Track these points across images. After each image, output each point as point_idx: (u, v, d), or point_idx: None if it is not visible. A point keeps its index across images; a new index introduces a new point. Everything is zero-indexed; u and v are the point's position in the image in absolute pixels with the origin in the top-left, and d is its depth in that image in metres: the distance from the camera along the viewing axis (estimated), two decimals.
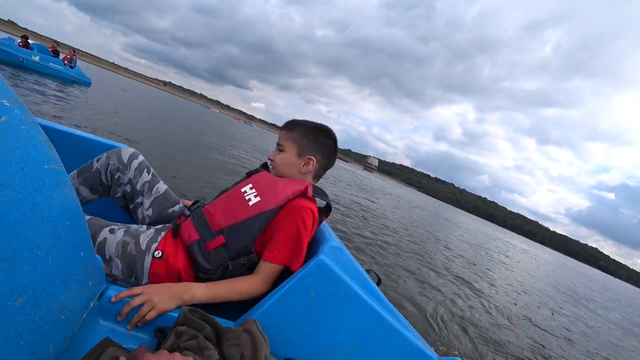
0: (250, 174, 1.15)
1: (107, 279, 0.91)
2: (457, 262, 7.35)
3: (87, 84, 14.31)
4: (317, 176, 1.16)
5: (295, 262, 0.94)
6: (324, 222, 1.14)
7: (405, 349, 0.97)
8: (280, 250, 0.94)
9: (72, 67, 13.46)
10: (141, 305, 0.72)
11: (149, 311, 0.71)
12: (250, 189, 1.02)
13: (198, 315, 0.67)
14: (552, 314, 6.00)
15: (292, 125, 1.14)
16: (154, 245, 0.93)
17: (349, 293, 0.86)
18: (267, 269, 0.93)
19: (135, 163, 1.12)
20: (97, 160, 1.11)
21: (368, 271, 1.21)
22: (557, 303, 7.56)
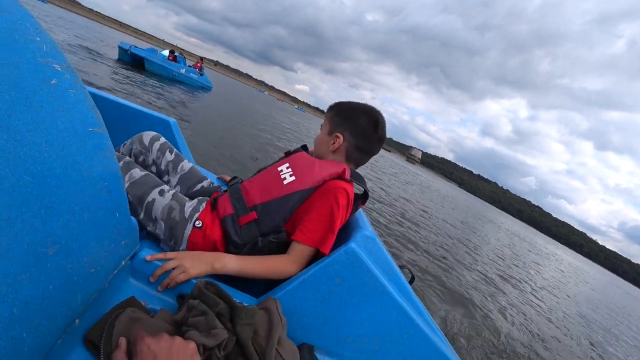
0: (288, 154, 1.16)
1: (149, 238, 0.97)
2: (497, 269, 6.94)
3: (210, 88, 16.26)
4: (353, 159, 1.11)
5: (326, 244, 0.92)
6: (360, 209, 1.11)
7: (430, 353, 0.92)
8: (311, 230, 0.93)
9: (201, 75, 15.21)
10: (173, 269, 0.75)
11: (180, 274, 0.75)
12: (287, 168, 1.02)
13: (213, 289, 0.68)
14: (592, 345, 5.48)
15: (333, 105, 1.14)
16: (196, 215, 0.96)
17: (377, 286, 0.83)
18: (297, 250, 0.93)
19: (156, 145, 1.18)
20: (123, 146, 1.18)
21: (402, 267, 1.17)
22: (601, 329, 6.87)
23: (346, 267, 0.80)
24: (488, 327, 3.51)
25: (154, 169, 1.18)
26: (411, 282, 1.16)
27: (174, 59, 13.78)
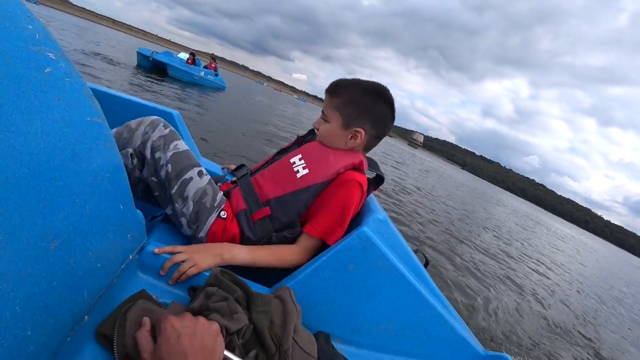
0: (300, 142, 1.08)
1: (172, 218, 0.92)
2: (508, 249, 6.87)
3: (224, 88, 16.43)
4: (369, 147, 1.04)
5: (333, 236, 0.89)
6: (372, 194, 1.07)
7: (449, 337, 0.90)
8: (319, 223, 0.90)
9: (216, 75, 15.26)
10: (183, 262, 0.73)
11: (190, 268, 0.73)
12: (300, 160, 0.97)
13: (229, 277, 0.67)
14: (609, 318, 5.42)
15: (337, 89, 0.98)
16: (223, 206, 0.92)
17: (392, 270, 0.81)
18: (304, 241, 0.91)
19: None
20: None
21: (416, 251, 1.14)
22: (617, 305, 6.81)
23: (359, 252, 0.78)
24: (505, 307, 3.49)
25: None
26: (425, 265, 1.13)
27: (193, 61, 13.72)
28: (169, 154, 0.87)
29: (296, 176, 0.94)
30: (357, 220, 0.91)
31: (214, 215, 0.90)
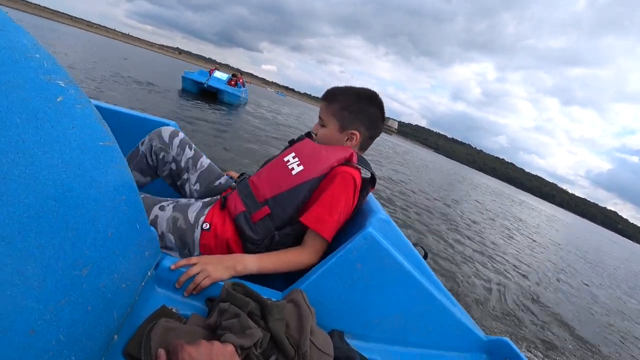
0: (292, 143, 1.13)
1: (162, 251, 0.97)
2: (481, 229, 7.05)
3: (246, 102, 16.08)
4: (364, 147, 1.11)
5: (325, 227, 0.90)
6: (371, 194, 1.10)
7: (453, 325, 0.95)
8: (311, 212, 0.92)
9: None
10: (197, 274, 0.75)
11: (204, 279, 0.75)
12: (293, 157, 1.01)
13: (241, 289, 0.68)
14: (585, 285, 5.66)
15: (332, 97, 1.07)
16: (202, 218, 0.96)
17: (397, 267, 0.84)
18: (308, 241, 0.93)
19: (176, 141, 1.15)
20: (142, 144, 1.15)
21: (415, 245, 1.18)
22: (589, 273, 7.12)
23: (366, 252, 0.81)
24: (496, 288, 3.60)
25: (173, 165, 1.16)
26: (425, 258, 1.18)
27: (235, 83, 13.42)
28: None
29: (291, 173, 0.97)
30: (360, 221, 0.94)
31: (197, 231, 0.94)
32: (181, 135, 1.18)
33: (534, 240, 8.63)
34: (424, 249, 1.26)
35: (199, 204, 1.02)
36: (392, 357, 0.86)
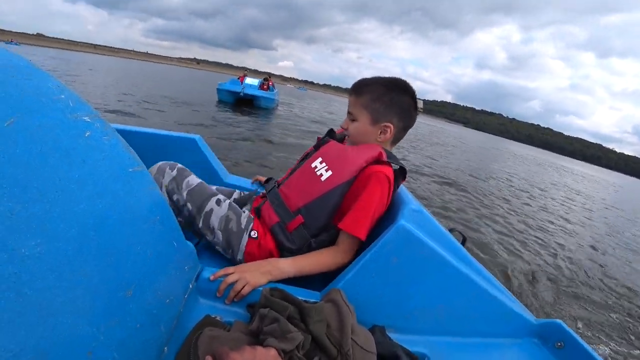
0: (318, 146, 1.11)
1: (209, 246, 1.00)
2: (524, 205, 6.67)
3: (278, 102, 15.79)
4: (397, 139, 1.07)
5: (360, 229, 0.90)
6: (402, 185, 1.08)
7: (499, 311, 0.92)
8: (347, 217, 0.92)
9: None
10: (235, 282, 0.78)
11: (243, 287, 0.77)
12: (320, 163, 0.99)
13: (279, 294, 0.70)
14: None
15: (361, 89, 1.03)
16: (251, 225, 0.97)
17: (433, 256, 0.83)
18: (342, 240, 0.94)
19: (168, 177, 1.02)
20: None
21: (451, 230, 1.15)
22: None
23: (400, 245, 0.80)
24: (548, 267, 3.44)
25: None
26: (463, 243, 1.15)
27: (268, 87, 13.40)
28: (184, 193, 0.95)
29: (320, 180, 0.95)
30: (392, 214, 0.93)
31: (245, 237, 0.95)
32: (179, 166, 1.04)
33: (589, 210, 8.14)
34: (462, 234, 1.23)
35: (247, 210, 1.03)
36: (438, 348, 0.85)
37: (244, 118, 9.23)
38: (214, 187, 1.15)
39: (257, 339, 0.63)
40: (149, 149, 1.21)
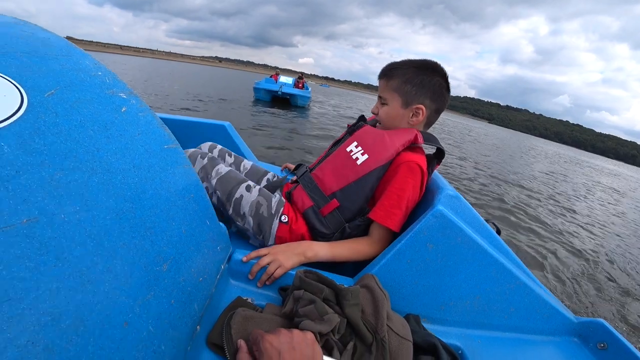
0: (352, 131, 1.09)
1: (240, 232, 1.00)
2: (553, 203, 6.39)
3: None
4: (430, 122, 1.03)
5: (392, 219, 0.88)
6: (436, 171, 1.05)
7: (537, 306, 0.87)
8: (379, 207, 0.90)
9: None
10: (268, 264, 0.76)
11: (276, 269, 0.76)
12: (356, 147, 0.97)
13: (313, 276, 0.68)
14: None
15: (391, 72, 1.00)
16: (282, 210, 0.96)
17: (471, 245, 0.79)
18: (376, 231, 0.91)
19: (215, 152, 1.19)
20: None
21: (486, 221, 1.11)
22: None
23: (437, 231, 0.77)
24: (586, 265, 3.28)
25: None
26: (497, 235, 1.09)
27: (302, 85, 13.51)
28: (214, 181, 0.95)
29: (356, 163, 0.94)
30: (428, 200, 0.89)
31: (276, 222, 0.94)
32: (219, 147, 1.20)
33: (623, 213, 7.71)
34: (496, 225, 1.17)
35: (278, 195, 1.03)
36: (472, 342, 0.81)
37: (283, 115, 9.45)
38: (243, 174, 1.16)
39: (290, 321, 0.62)
40: (181, 134, 1.23)
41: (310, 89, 13.92)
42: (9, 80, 0.44)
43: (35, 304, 0.32)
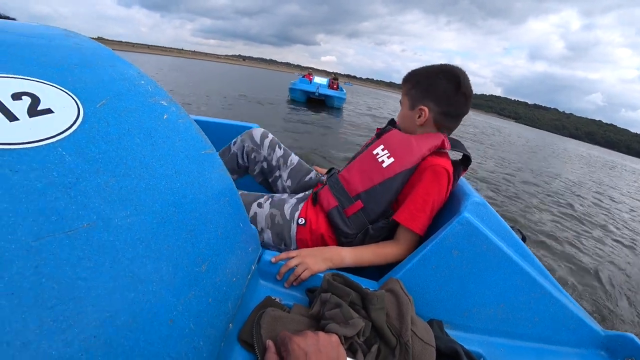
0: (380, 135, 1.12)
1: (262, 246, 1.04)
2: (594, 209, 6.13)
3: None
4: (445, 127, 1.03)
5: (416, 223, 0.90)
6: (462, 177, 1.05)
7: (563, 317, 0.86)
8: (403, 209, 0.92)
9: None
10: (296, 266, 0.79)
11: (303, 272, 0.78)
12: (382, 150, 1.00)
13: (341, 280, 0.70)
14: None
15: (406, 78, 1.07)
16: (297, 214, 1.00)
17: (497, 252, 0.79)
18: (402, 236, 0.93)
19: (266, 142, 1.23)
20: (234, 144, 1.24)
21: (512, 228, 1.10)
22: None
23: (462, 238, 0.77)
24: (615, 277, 3.17)
25: (265, 164, 1.25)
26: (523, 242, 1.08)
27: (337, 86, 13.51)
28: None
29: (382, 166, 0.96)
30: (454, 206, 0.90)
31: (293, 226, 0.98)
32: (270, 136, 1.26)
33: None
34: (521, 232, 1.16)
35: (293, 199, 1.07)
36: (495, 349, 0.81)
37: (319, 115, 9.65)
38: (289, 169, 1.24)
39: (317, 323, 0.64)
40: (211, 135, 1.27)
41: (345, 90, 13.79)
42: (67, 93, 0.47)
43: (96, 302, 0.35)
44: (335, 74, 16.23)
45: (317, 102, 12.35)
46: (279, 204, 1.03)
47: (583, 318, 0.87)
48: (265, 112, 8.82)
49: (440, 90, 0.99)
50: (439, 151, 0.95)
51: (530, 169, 9.26)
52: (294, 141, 5.86)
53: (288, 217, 0.99)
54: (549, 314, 0.85)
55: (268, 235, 0.99)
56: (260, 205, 1.03)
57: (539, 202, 5.45)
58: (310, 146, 5.69)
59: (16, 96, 0.42)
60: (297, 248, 0.97)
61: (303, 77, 13.89)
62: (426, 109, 1.00)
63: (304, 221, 0.98)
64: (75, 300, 0.34)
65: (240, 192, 1.05)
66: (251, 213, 1.01)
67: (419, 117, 1.02)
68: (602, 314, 2.46)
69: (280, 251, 0.98)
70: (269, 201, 1.04)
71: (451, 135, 1.05)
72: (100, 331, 0.34)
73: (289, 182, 1.23)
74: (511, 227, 1.03)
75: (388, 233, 0.96)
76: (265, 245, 1.01)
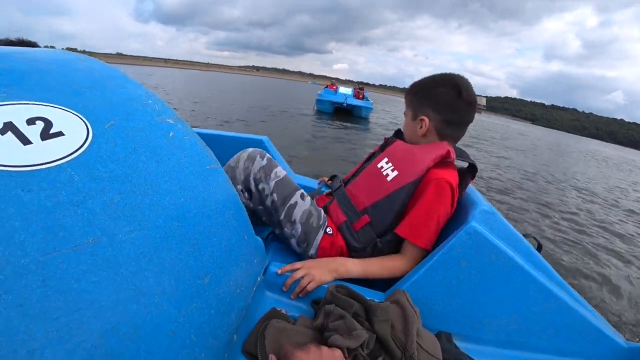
0: (384, 147, 1.12)
1: (280, 237, 1.03)
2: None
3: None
4: (448, 136, 1.02)
5: (420, 238, 0.89)
6: (470, 185, 1.04)
7: (580, 328, 0.82)
8: (405, 223, 0.91)
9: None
10: (302, 277, 0.79)
11: (309, 283, 0.79)
12: (387, 163, 1.00)
13: (344, 291, 0.70)
14: None
15: (409, 88, 1.08)
16: (327, 222, 0.99)
17: (506, 262, 0.78)
18: (408, 250, 0.92)
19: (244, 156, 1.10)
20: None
21: (525, 236, 1.07)
22: None
23: (470, 248, 0.76)
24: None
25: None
26: (539, 250, 1.05)
27: (363, 96, 13.23)
28: (272, 183, 0.97)
29: (386, 180, 0.95)
30: (462, 215, 0.89)
31: (321, 233, 0.96)
32: (268, 155, 1.06)
33: None
34: (536, 240, 1.13)
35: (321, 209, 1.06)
36: None
37: (347, 126, 9.69)
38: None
39: (321, 334, 0.64)
40: (221, 149, 1.30)
41: (371, 100, 13.61)
42: (77, 115, 0.51)
43: (98, 314, 0.37)
44: (361, 84, 16.06)
45: (343, 112, 12.28)
46: (317, 207, 1.02)
47: (604, 330, 0.84)
48: (295, 125, 8.81)
49: (439, 98, 0.99)
50: (444, 161, 0.93)
51: (562, 172, 9.01)
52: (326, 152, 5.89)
53: (320, 223, 0.98)
54: (565, 324, 0.82)
55: (297, 229, 0.96)
56: (302, 197, 1.00)
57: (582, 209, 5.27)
58: (346, 157, 5.70)
59: (31, 121, 0.45)
60: (315, 255, 0.96)
61: (327, 87, 13.72)
62: (426, 119, 1.00)
63: (331, 231, 0.97)
64: (79, 311, 0.36)
65: (286, 174, 1.01)
66: (292, 200, 0.98)
67: (420, 127, 1.02)
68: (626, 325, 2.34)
69: (298, 249, 0.99)
70: (309, 197, 1.02)
71: (458, 144, 1.04)
72: (102, 341, 0.36)
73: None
74: (524, 235, 1.01)
75: (397, 245, 0.95)
76: (288, 237, 0.98)
